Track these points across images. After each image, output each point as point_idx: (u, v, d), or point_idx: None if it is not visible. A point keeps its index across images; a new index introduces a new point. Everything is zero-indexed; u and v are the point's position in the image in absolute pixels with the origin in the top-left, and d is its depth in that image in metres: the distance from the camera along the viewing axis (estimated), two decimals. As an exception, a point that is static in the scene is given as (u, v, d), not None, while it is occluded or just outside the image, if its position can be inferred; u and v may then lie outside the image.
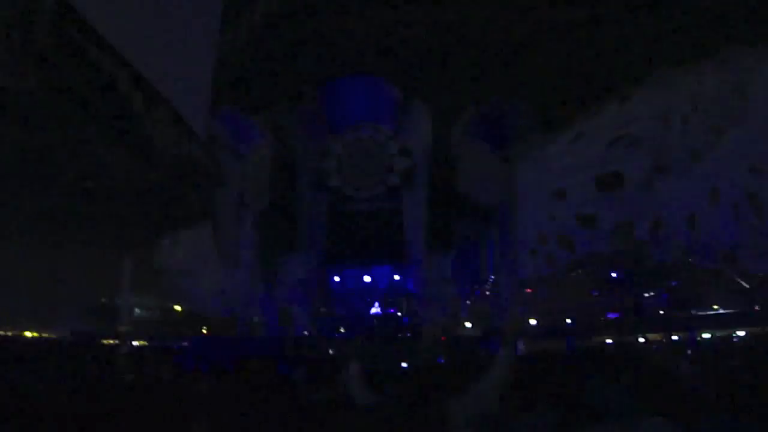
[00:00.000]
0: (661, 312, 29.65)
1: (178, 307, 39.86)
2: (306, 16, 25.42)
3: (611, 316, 30.19)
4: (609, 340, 26.28)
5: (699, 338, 25.09)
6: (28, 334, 34.01)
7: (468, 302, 32.00)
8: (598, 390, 6.12)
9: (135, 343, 30.19)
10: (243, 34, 25.81)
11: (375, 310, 31.34)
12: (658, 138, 23.81)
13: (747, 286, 27.85)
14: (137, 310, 42.77)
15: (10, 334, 32.72)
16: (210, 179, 27.74)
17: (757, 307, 26.38)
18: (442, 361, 18.32)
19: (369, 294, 32.15)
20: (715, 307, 28.37)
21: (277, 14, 23.97)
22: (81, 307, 37.98)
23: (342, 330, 30.84)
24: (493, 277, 30.34)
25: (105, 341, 29.96)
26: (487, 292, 31.47)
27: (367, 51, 28.13)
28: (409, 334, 28.05)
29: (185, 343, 26.27)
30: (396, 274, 31.98)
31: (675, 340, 25.24)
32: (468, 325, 31.09)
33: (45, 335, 34.08)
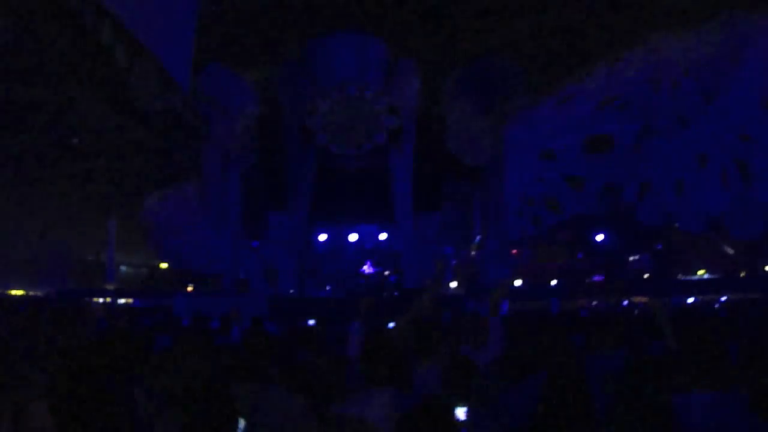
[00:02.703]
0: (646, 276, 29.75)
1: (164, 265, 39.80)
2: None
3: (596, 278, 30.28)
4: (594, 302, 26.36)
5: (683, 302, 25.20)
6: (13, 292, 33.83)
7: (454, 262, 32.03)
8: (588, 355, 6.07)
9: (121, 300, 30.06)
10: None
11: (366, 268, 31.29)
12: (647, 101, 23.72)
13: (732, 251, 28.00)
14: (123, 268, 42.72)
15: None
16: (195, 135, 27.49)
17: (742, 273, 26.53)
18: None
19: (355, 253, 32.14)
20: (700, 272, 28.52)
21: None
22: (66, 264, 37.89)
23: (327, 288, 30.87)
24: (479, 237, 30.34)
25: (91, 299, 29.77)
26: (473, 253, 31.50)
27: (356, 7, 27.82)
28: (396, 293, 28.07)
29: (171, 301, 26.17)
30: (382, 233, 31.94)
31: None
32: (453, 284, 31.13)
33: (31, 293, 33.94)
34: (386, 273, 30.99)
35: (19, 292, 33.95)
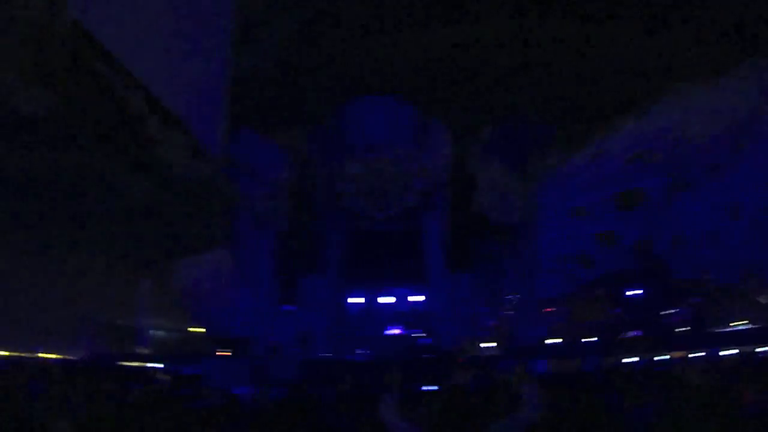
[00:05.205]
0: (682, 329, 29.30)
1: (195, 329, 39.81)
2: (324, 39, 25.47)
3: (632, 334, 29.86)
4: (629, 359, 25.96)
5: (720, 354, 24.74)
6: (44, 355, 33.95)
7: (489, 322, 31.78)
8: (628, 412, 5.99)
9: (151, 365, 30.04)
10: (262, 57, 25.89)
11: (395, 331, 31.11)
12: (676, 154, 23.66)
13: (768, 302, 27.53)
14: (155, 332, 42.78)
15: (26, 355, 32.64)
16: (227, 201, 27.73)
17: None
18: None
19: (389, 315, 31.97)
20: (736, 323, 27.99)
21: (295, 37, 24.01)
22: (98, 328, 38.02)
23: (361, 351, 30.64)
24: (513, 296, 30.13)
25: (122, 363, 29.82)
26: (508, 312, 31.24)
27: (386, 72, 28.14)
28: (431, 355, 27.80)
29: (204, 366, 26.15)
30: (416, 294, 31.79)
31: (696, 357, 24.92)
32: (488, 345, 30.83)
33: (62, 357, 34.01)
34: (416, 335, 30.72)
35: (51, 356, 34.04)
